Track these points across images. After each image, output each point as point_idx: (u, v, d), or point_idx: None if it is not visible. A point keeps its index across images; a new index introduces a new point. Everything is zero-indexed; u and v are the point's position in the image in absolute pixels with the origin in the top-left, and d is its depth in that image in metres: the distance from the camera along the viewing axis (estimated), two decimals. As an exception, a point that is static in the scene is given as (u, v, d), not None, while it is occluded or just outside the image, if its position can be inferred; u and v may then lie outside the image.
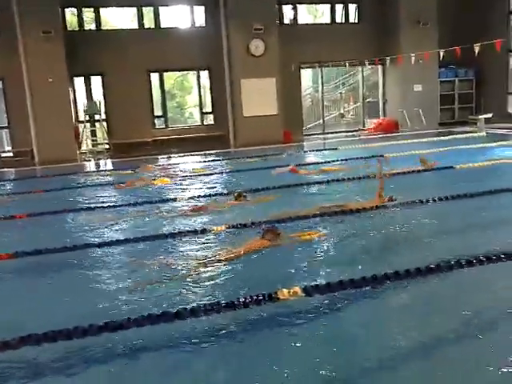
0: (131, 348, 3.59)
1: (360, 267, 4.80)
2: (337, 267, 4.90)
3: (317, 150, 14.68)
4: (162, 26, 17.71)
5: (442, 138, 15.18)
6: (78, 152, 16.05)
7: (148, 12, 17.82)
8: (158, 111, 18.39)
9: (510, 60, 18.65)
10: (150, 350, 3.58)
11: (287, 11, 18.97)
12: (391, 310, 4.21)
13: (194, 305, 4.11)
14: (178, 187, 9.97)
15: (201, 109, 19.00)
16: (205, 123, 18.82)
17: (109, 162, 15.49)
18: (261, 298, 4.04)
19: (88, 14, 17.95)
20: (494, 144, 13.05)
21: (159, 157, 15.00)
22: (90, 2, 17.10)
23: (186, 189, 9.74)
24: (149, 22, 17.82)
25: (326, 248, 5.51)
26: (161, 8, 17.66)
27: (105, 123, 17.47)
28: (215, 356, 3.51)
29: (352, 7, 19.50)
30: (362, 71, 20.38)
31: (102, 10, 17.58)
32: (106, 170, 13.46)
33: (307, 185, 9.27)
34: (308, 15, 23.40)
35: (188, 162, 13.59)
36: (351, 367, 3.25)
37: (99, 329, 3.69)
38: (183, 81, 25.40)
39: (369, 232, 6.06)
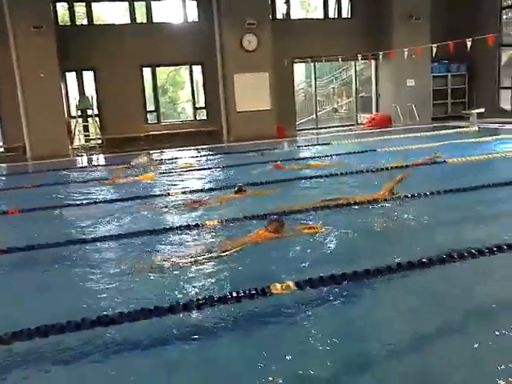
0: (124, 343, 3.58)
1: (358, 261, 4.77)
2: (336, 261, 4.91)
3: (310, 145, 14.69)
4: (154, 20, 17.61)
5: (435, 132, 15.21)
6: (70, 147, 15.96)
7: (140, 7, 17.72)
8: (150, 106, 18.32)
9: (502, 54, 18.71)
10: (143, 344, 3.57)
11: (280, 6, 18.94)
12: (387, 303, 4.22)
13: (187, 299, 4.11)
14: (173, 182, 9.97)
15: (194, 104, 18.95)
16: (198, 118, 18.77)
17: (101, 157, 15.41)
18: (253, 292, 4.05)
19: (80, 8, 17.81)
20: (486, 138, 13.09)
21: (152, 152, 14.92)
22: (82, -3, 17.01)
23: (183, 183, 9.73)
24: (141, 17, 17.72)
25: (327, 241, 5.50)
26: (153, 2, 17.58)
27: (97, 118, 17.39)
28: (208, 350, 3.50)
29: (345, 2, 19.50)
30: (355, 66, 20.38)
31: (94, 5, 17.44)
32: (98, 165, 13.38)
33: (304, 179, 9.31)
34: (301, 10, 23.35)
35: (182, 157, 13.55)
36: (346, 360, 3.27)
37: (92, 323, 3.68)
38: (176, 76, 25.31)
39: (370, 225, 6.11)
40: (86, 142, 17.44)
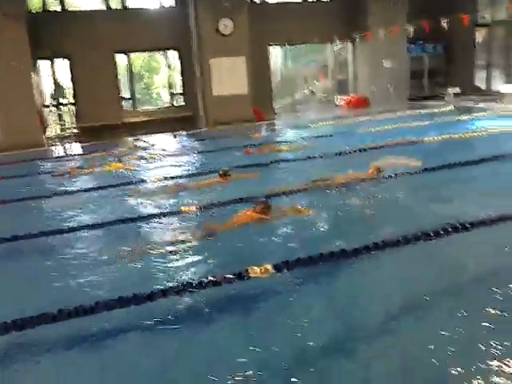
0: (103, 331, 3.57)
1: (341, 241, 4.77)
2: (319, 242, 4.91)
3: (289, 128, 14.64)
4: (129, 6, 17.28)
5: (412, 112, 15.29)
6: (44, 137, 15.67)
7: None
8: (125, 93, 18.08)
9: (477, 34, 18.78)
10: (122, 332, 3.56)
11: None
12: (366, 282, 4.23)
13: (166, 285, 4.08)
14: (154, 168, 9.93)
15: (170, 89, 18.74)
16: (174, 104, 18.57)
17: (76, 146, 15.14)
18: (231, 276, 4.03)
19: (51, -6, 17.41)
20: (462, 117, 13.20)
21: (129, 139, 14.77)
22: (53, -18, 16.62)
23: (164, 170, 9.64)
24: (115, 3, 17.37)
25: (312, 223, 5.50)
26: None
27: (72, 107, 17.10)
28: (190, 335, 3.49)
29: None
30: (332, 48, 20.29)
31: (66, -10, 17.05)
32: (72, 155, 13.16)
33: (285, 162, 9.30)
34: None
35: (161, 144, 13.41)
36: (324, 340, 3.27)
37: (68, 314, 3.65)
38: (150, 61, 24.99)
39: (355, 205, 6.14)
40: (61, 131, 17.15)
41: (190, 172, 9.19)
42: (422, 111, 15.31)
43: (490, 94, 17.12)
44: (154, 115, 17.75)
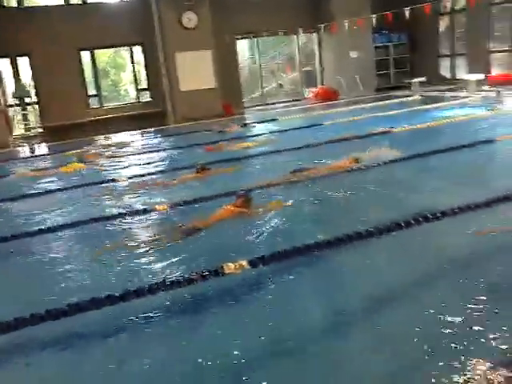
0: (77, 333, 3.52)
1: (318, 233, 4.77)
2: (298, 234, 4.92)
3: (258, 122, 14.59)
4: (89, 1, 16.94)
5: (380, 103, 15.42)
6: (9, 138, 15.28)
7: (73, -13, 17.01)
8: (91, 90, 17.76)
9: (440, 23, 19.04)
10: (96, 334, 3.52)
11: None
12: (342, 274, 4.23)
13: (142, 284, 4.01)
14: (122, 166, 9.81)
15: (136, 85, 18.49)
16: (141, 100, 18.33)
17: (42, 146, 14.80)
18: (206, 273, 3.98)
19: (8, -10, 16.97)
20: (428, 106, 13.37)
21: (96, 138, 14.54)
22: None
23: (135, 168, 9.54)
24: (75, -2, 17.02)
25: (291, 216, 5.50)
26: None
27: (36, 106, 16.72)
28: (166, 334, 3.45)
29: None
30: (298, 40, 20.30)
31: (23, -13, 16.62)
32: (39, 155, 12.86)
33: (257, 156, 9.28)
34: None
35: (129, 141, 13.22)
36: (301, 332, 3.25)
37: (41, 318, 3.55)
38: (116, 58, 24.60)
39: (332, 196, 6.17)
40: (26, 131, 16.75)
41: (161, 169, 9.08)
42: (389, 101, 15.45)
43: (454, 83, 17.38)
44: (121, 112, 17.48)
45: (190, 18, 16.07)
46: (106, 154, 11.32)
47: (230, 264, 4.04)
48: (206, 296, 3.88)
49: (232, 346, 3.14)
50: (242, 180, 7.35)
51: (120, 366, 3.15)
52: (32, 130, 16.76)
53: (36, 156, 12.66)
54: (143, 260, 4.69)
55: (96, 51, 17.91)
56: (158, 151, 11.26)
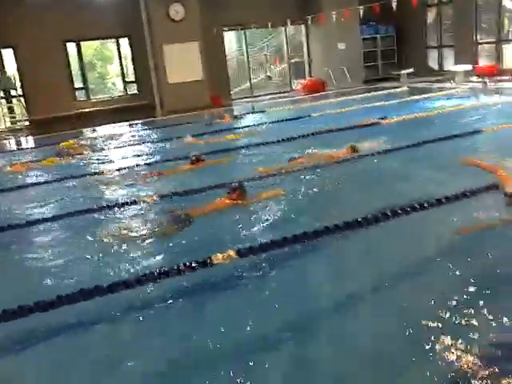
0: (65, 325, 3.52)
1: (309, 222, 4.79)
2: (290, 224, 4.92)
3: (247, 113, 14.55)
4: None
5: (368, 94, 15.44)
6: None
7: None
8: (78, 83, 17.60)
9: (428, 15, 19.07)
10: (83, 325, 3.50)
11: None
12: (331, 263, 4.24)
13: (128, 276, 4.00)
14: (111, 159, 9.78)
15: (123, 78, 18.35)
16: (129, 92, 18.20)
17: (29, 139, 14.65)
18: (195, 264, 3.98)
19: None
20: (416, 97, 13.41)
21: (84, 130, 14.42)
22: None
23: (128, 159, 9.49)
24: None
25: (285, 205, 5.50)
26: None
27: (22, 99, 16.54)
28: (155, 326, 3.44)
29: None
30: (286, 32, 20.24)
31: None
32: (27, 148, 12.75)
33: (250, 147, 9.23)
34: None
35: (117, 133, 13.12)
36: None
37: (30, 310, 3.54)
38: (103, 50, 24.37)
39: (328, 185, 6.20)
40: (12, 124, 16.58)
41: (151, 161, 9.02)
42: (377, 93, 15.48)
43: (442, 74, 17.44)
44: (108, 104, 17.35)
45: (177, 11, 15.97)
46: (94, 146, 11.23)
47: (218, 254, 4.05)
48: (192, 287, 3.87)
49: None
50: (236, 170, 7.39)
51: (108, 355, 3.15)
52: (18, 123, 16.59)
53: (22, 149, 12.54)
54: (134, 251, 4.67)
55: (82, 44, 17.72)
56: (146, 143, 11.21)
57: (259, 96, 19.48)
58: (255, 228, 4.92)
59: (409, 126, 9.78)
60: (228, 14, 17.70)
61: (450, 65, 17.50)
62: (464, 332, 2.84)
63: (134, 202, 6.17)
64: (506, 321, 2.91)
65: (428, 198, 4.87)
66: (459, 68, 15.69)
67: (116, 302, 3.70)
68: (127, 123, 14.91)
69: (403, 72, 17.34)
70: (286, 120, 11.95)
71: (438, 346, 2.75)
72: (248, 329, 3.19)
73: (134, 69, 17.88)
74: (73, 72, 17.31)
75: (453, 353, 2.67)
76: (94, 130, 14.05)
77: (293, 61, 20.85)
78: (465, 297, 3.23)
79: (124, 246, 4.79)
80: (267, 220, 5.09)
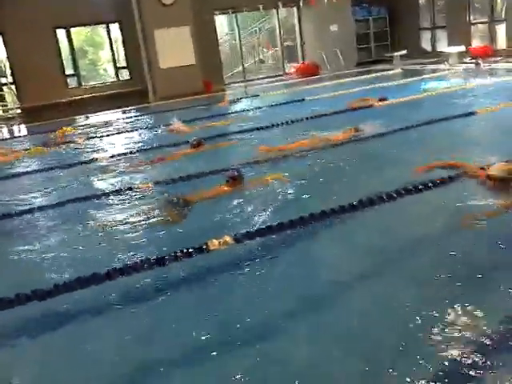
0: (65, 313, 3.49)
1: (306, 207, 4.75)
2: (287, 209, 4.88)
3: (241, 98, 14.47)
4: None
5: (362, 77, 15.38)
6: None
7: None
8: (69, 69, 17.44)
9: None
10: (88, 312, 3.50)
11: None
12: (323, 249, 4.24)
13: (125, 263, 3.99)
14: (106, 146, 9.72)
15: (115, 64, 18.20)
16: (120, 78, 18.08)
17: (20, 127, 14.54)
18: (191, 250, 3.97)
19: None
20: (410, 79, 13.37)
21: (76, 117, 14.31)
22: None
23: (118, 145, 9.48)
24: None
25: (286, 189, 5.48)
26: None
27: (13, 86, 16.40)
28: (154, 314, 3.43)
29: None
30: (278, 14, 20.08)
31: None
32: (16, 137, 12.65)
33: (247, 132, 9.16)
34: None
35: (110, 120, 13.04)
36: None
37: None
38: (94, 36, 24.12)
39: (330, 167, 6.20)
40: (3, 112, 16.45)
41: (146, 147, 8.93)
42: (371, 75, 15.41)
43: (435, 56, 17.37)
44: (100, 91, 17.23)
45: (168, -6, 15.78)
46: (87, 133, 11.17)
47: (214, 240, 4.04)
48: (188, 273, 3.88)
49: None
50: (235, 155, 7.42)
51: (106, 343, 3.15)
52: (10, 111, 16.46)
53: (14, 137, 12.45)
54: (131, 237, 4.66)
55: (72, 30, 17.54)
56: (140, 129, 11.17)
57: (252, 80, 19.37)
58: (254, 213, 4.89)
59: (402, 108, 9.74)
60: (219, -3, 17.54)
61: (443, 46, 17.43)
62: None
63: (136, 189, 6.12)
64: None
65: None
66: (452, 49, 15.64)
67: (113, 290, 3.69)
68: (120, 109, 14.79)
69: (396, 54, 17.28)
70: (281, 104, 11.91)
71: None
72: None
73: (126, 54, 17.74)
74: (64, 59, 17.15)
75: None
76: (87, 118, 13.94)
77: (286, 44, 20.71)
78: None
79: (122, 234, 4.77)
80: (267, 205, 5.06)
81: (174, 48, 15.84)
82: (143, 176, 6.84)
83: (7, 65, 16.22)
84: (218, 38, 19.00)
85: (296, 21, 19.87)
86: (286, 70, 20.03)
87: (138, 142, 9.61)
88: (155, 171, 7.06)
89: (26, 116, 15.73)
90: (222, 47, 19.43)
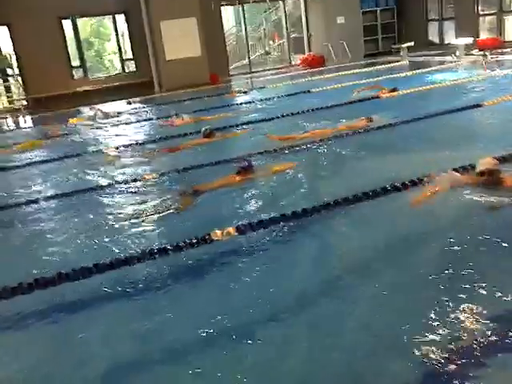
0: (68, 301, 3.54)
1: (311, 199, 4.75)
2: (294, 200, 4.87)
3: (248, 90, 14.39)
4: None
5: (368, 69, 15.27)
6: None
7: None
8: (75, 61, 17.43)
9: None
10: (92, 301, 3.53)
11: None
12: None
13: (131, 253, 4.01)
14: (115, 136, 9.81)
15: (120, 55, 18.18)
16: (126, 70, 18.07)
17: (27, 118, 14.58)
18: (194, 241, 3.98)
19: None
20: (417, 71, 13.27)
21: (82, 108, 14.30)
22: None
23: (127, 136, 9.54)
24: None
25: (292, 180, 5.51)
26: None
27: (19, 78, 16.42)
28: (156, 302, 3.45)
29: None
30: (284, 6, 19.97)
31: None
32: (27, 128, 12.70)
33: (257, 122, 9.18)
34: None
35: (117, 111, 13.02)
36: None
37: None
38: (100, 27, 24.09)
39: (341, 157, 6.18)
40: (9, 103, 16.48)
41: (157, 138, 8.96)
42: (378, 67, 15.31)
43: (443, 47, 17.22)
44: (106, 83, 17.23)
45: (174, -15, 15.71)
46: (94, 124, 11.20)
47: (217, 231, 4.05)
48: (191, 263, 3.87)
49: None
50: (246, 144, 7.43)
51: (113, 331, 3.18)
52: (16, 103, 16.49)
53: (20, 129, 12.49)
54: (137, 226, 4.69)
55: (78, 21, 17.52)
56: (147, 120, 11.22)
57: (258, 72, 19.29)
58: (263, 203, 4.91)
59: (409, 100, 9.69)
60: (226, -11, 17.46)
61: (450, 38, 17.27)
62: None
63: (146, 178, 6.20)
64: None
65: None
66: (460, 41, 15.48)
67: (121, 278, 3.71)
68: (125, 101, 14.76)
69: (403, 46, 17.15)
70: (289, 95, 11.88)
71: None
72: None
73: (132, 46, 17.70)
74: (70, 50, 17.15)
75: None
76: (93, 109, 13.93)
77: (292, 36, 20.60)
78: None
79: (122, 224, 4.79)
80: (279, 194, 5.08)
81: (181, 40, 15.80)
82: (153, 166, 6.87)
83: (13, 56, 16.19)
84: (225, 29, 18.91)
85: (303, 12, 19.74)
86: (292, 62, 19.94)
87: (152, 133, 9.65)
88: (166, 160, 7.09)
89: (32, 107, 15.76)
90: (228, 39, 19.34)
